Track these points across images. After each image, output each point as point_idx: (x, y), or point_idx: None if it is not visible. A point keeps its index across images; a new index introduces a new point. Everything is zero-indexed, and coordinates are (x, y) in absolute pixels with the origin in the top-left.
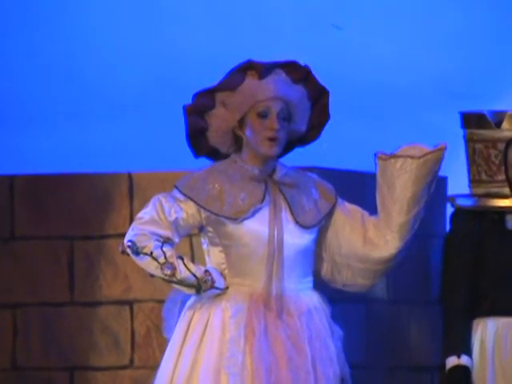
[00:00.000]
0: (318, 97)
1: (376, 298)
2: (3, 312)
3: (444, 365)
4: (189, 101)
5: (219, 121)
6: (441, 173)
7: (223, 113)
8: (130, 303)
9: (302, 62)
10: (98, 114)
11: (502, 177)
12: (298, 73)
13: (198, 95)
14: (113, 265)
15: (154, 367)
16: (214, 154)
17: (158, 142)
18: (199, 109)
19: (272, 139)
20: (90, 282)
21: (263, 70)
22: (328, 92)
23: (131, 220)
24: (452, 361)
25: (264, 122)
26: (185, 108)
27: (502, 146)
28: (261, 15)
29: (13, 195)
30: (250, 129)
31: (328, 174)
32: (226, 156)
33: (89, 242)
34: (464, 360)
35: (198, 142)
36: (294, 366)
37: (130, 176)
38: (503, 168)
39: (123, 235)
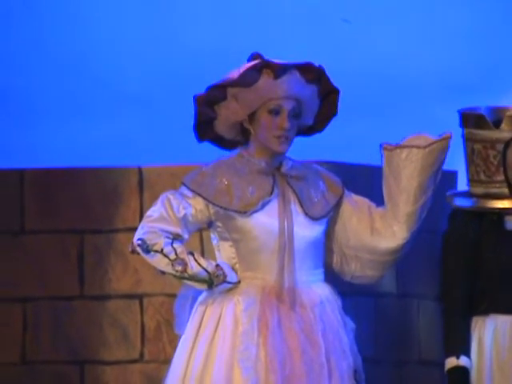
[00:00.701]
0: (328, 93)
1: (385, 292)
2: (13, 306)
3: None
4: (198, 93)
5: (229, 113)
6: (451, 167)
7: (234, 106)
8: (139, 297)
9: (316, 63)
10: (107, 108)
11: (500, 177)
12: (312, 73)
13: (210, 88)
14: (122, 258)
15: (164, 361)
16: (219, 140)
17: (168, 136)
18: (210, 100)
19: (281, 137)
20: (99, 275)
21: (279, 69)
22: (339, 91)
23: (141, 214)
24: (451, 362)
25: (275, 120)
26: (195, 98)
27: (500, 147)
28: (268, 9)
29: (23, 189)
30: (259, 124)
31: (334, 167)
32: (230, 142)
33: (98, 236)
34: (463, 361)
35: (204, 128)
36: (308, 358)
37: (139, 170)
38: (502, 169)
39: (133, 229)
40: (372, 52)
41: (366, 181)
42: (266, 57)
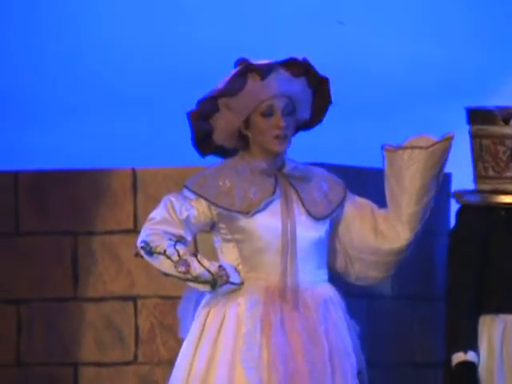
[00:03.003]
0: (319, 83)
1: (380, 294)
2: (7, 308)
3: (448, 361)
4: (193, 97)
5: (224, 123)
6: (445, 169)
7: (227, 115)
8: (133, 299)
9: (298, 56)
10: (101, 110)
11: (510, 173)
12: (298, 68)
13: (200, 102)
14: (116, 260)
15: (158, 363)
16: (221, 151)
17: (162, 138)
18: (203, 114)
19: (279, 137)
20: (93, 277)
21: (264, 70)
22: (328, 79)
23: (135, 215)
24: (458, 357)
25: (269, 121)
26: (189, 114)
27: (510, 143)
28: (266, 12)
29: (17, 191)
30: (256, 128)
31: (333, 170)
32: (233, 151)
33: (92, 238)
34: (470, 356)
35: (204, 143)
36: (311, 358)
37: (133, 172)
38: (511, 165)
39: (127, 231)
40: (371, 54)
41: (362, 183)
42: (251, 60)
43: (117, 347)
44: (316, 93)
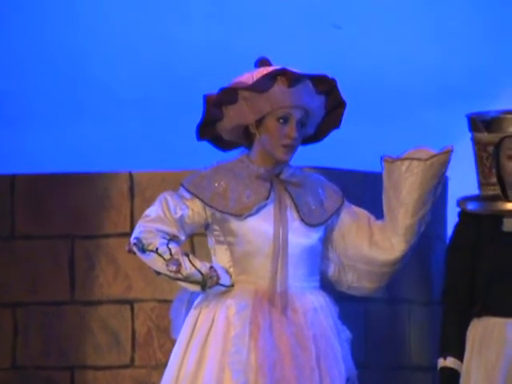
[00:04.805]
0: (335, 106)
1: (375, 298)
2: (3, 311)
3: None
4: (190, 100)
5: (236, 115)
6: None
7: (243, 109)
8: (130, 302)
9: (329, 75)
10: (98, 113)
11: (494, 179)
12: (325, 85)
13: (222, 90)
14: (113, 264)
15: (155, 367)
16: (217, 141)
17: (159, 142)
18: (221, 102)
19: (288, 146)
20: (90, 281)
21: (294, 78)
22: (345, 104)
23: (132, 219)
24: (440, 362)
25: (283, 128)
26: (205, 97)
27: (491, 149)
28: (263, 16)
29: (13, 194)
30: (266, 131)
31: (331, 173)
32: (228, 144)
33: (89, 241)
34: (449, 361)
35: (206, 128)
36: (299, 362)
37: (130, 175)
38: (494, 171)
39: (124, 234)
40: (368, 57)
41: (360, 187)
42: (274, 63)
43: (113, 351)
44: (328, 114)
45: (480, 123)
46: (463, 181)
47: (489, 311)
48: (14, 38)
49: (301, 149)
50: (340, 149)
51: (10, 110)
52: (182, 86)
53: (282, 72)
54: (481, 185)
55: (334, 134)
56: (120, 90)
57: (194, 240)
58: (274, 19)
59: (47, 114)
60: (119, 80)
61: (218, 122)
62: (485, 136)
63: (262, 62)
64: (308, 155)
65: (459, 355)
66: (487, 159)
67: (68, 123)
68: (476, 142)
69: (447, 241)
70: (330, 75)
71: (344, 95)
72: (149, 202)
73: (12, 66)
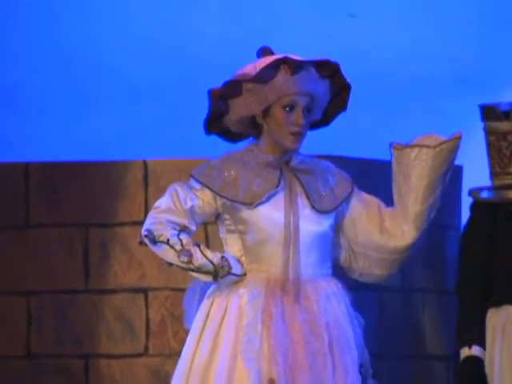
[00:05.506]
0: (340, 90)
1: (390, 287)
2: (18, 300)
3: (457, 354)
4: (204, 88)
5: (242, 107)
6: (456, 162)
7: (249, 101)
8: (144, 291)
9: (332, 59)
10: (113, 101)
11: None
12: (328, 69)
13: (226, 83)
14: (127, 252)
15: (169, 355)
16: (226, 134)
17: (173, 130)
18: (225, 95)
19: (296, 134)
20: (104, 269)
21: (297, 66)
22: (350, 87)
23: (146, 207)
24: (464, 352)
25: (289, 116)
26: (210, 92)
27: (511, 138)
28: (275, 5)
29: (28, 183)
30: (273, 120)
31: (343, 162)
32: (237, 136)
33: (103, 230)
34: (475, 350)
35: (214, 122)
36: (311, 350)
37: (144, 163)
38: None
39: (138, 223)
40: (381, 46)
41: (374, 176)
42: (276, 52)
43: (127, 339)
44: (334, 98)
45: (500, 112)
46: (477, 170)
47: (508, 300)
48: (26, 28)
49: (314, 137)
50: (353, 137)
51: (25, 99)
52: (197, 75)
53: (284, 60)
54: (495, 174)
55: (346, 122)
56: (134, 79)
57: (208, 229)
58: (288, 10)
59: (61, 102)
60: (133, 69)
61: (225, 115)
62: (505, 125)
63: (265, 51)
64: (321, 143)
65: (483, 343)
66: (507, 148)
67: (82, 112)
68: (492, 132)
69: (461, 230)
70: (333, 59)
71: (352, 81)
72: (163, 191)
73: (25, 56)
